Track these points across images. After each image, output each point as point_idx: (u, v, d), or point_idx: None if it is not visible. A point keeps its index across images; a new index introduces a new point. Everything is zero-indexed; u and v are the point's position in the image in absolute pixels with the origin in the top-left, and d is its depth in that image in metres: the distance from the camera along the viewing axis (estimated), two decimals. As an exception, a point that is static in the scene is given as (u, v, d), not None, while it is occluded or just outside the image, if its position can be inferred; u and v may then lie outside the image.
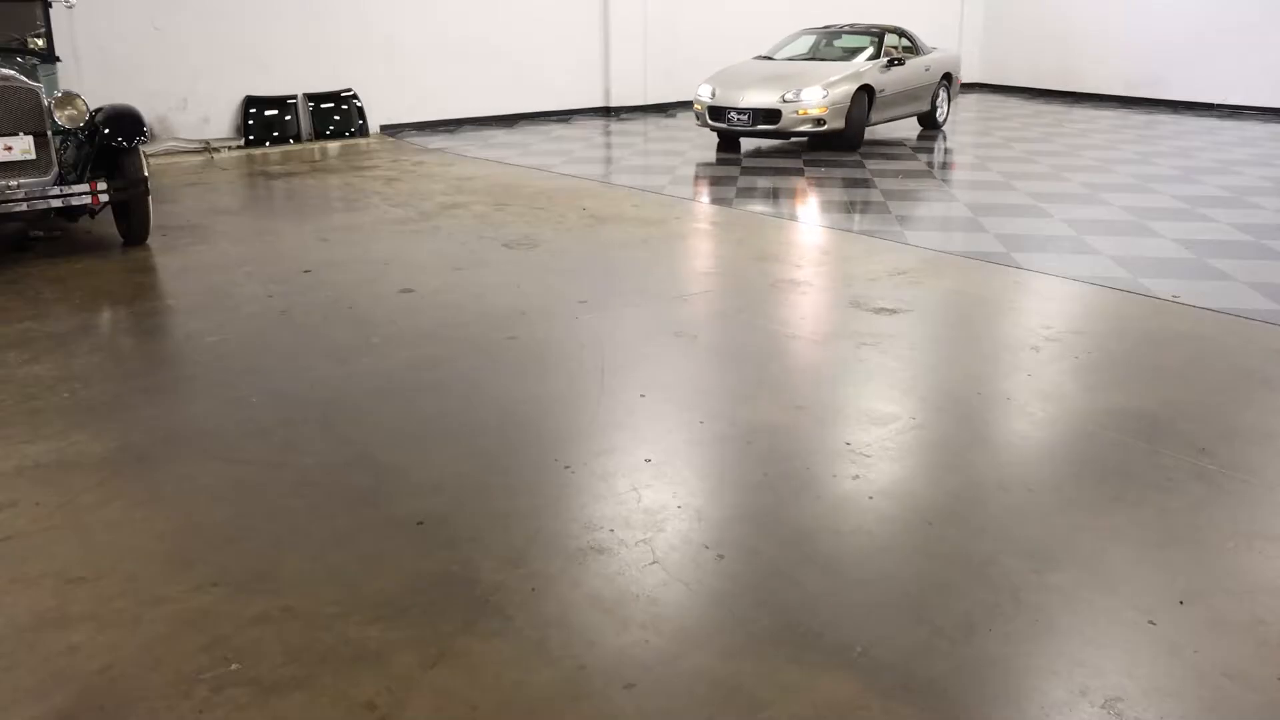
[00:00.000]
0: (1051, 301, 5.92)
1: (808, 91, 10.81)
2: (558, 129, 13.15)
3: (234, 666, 2.67)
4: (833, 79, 11.02)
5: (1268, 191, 9.08)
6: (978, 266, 6.62)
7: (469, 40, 12.99)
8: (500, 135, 12.63)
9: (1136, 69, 16.00)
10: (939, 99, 12.82)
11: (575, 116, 14.23)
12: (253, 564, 3.16)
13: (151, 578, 3.08)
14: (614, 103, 14.59)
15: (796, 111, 10.75)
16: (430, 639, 2.79)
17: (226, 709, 2.52)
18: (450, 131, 12.84)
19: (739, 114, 10.95)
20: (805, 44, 12.60)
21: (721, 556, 3.21)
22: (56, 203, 6.47)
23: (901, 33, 12.57)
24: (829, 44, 12.49)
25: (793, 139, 11.48)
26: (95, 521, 3.41)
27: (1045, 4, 17.29)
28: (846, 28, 12.73)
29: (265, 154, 11.19)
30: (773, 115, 10.82)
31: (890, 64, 11.69)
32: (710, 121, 11.34)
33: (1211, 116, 14.56)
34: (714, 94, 11.28)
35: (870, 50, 11.99)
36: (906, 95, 12.10)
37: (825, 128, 10.85)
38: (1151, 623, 2.87)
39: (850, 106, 10.97)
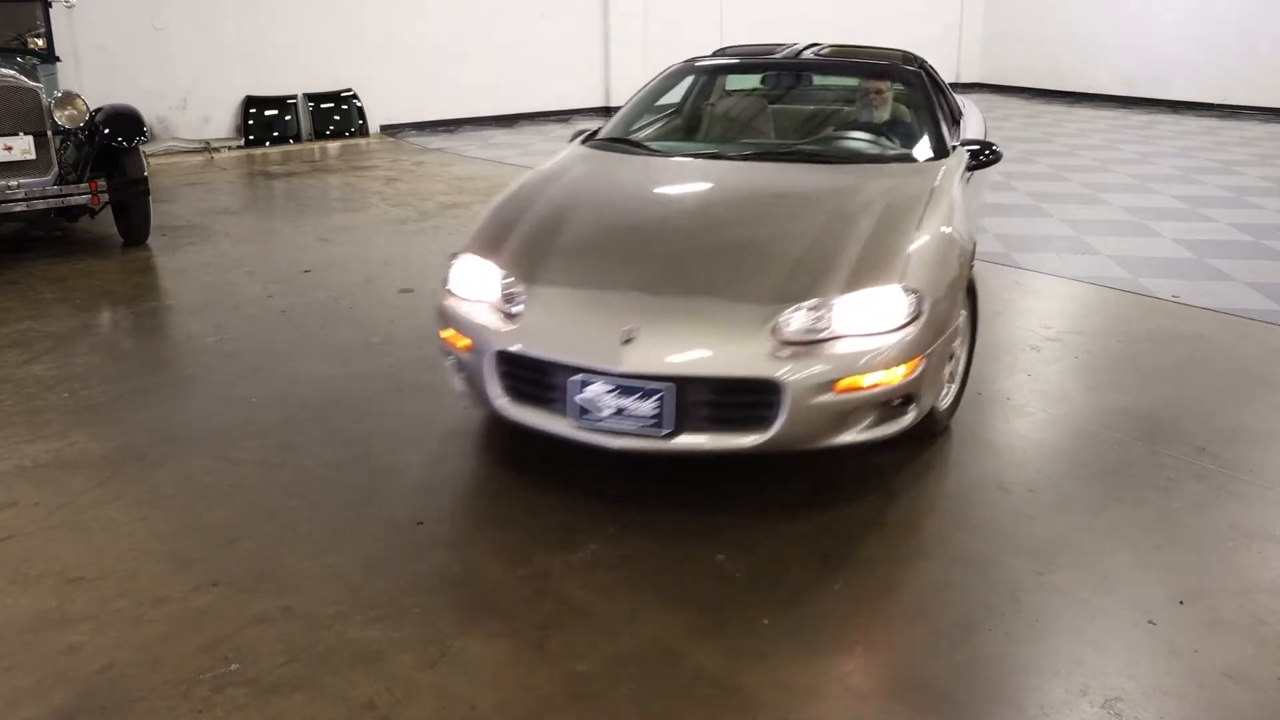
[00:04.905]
0: (1051, 301, 5.91)
1: (848, 305, 3.30)
2: (558, 129, 13.13)
3: (234, 666, 2.67)
4: (909, 246, 3.57)
5: (1268, 191, 9.07)
6: (977, 266, 6.60)
7: (469, 40, 12.98)
8: (500, 135, 12.62)
9: (1136, 69, 15.99)
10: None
11: (575, 116, 14.21)
12: (253, 564, 3.16)
13: (151, 578, 3.08)
14: (614, 103, 14.56)
15: (832, 385, 3.16)
16: (430, 639, 2.79)
17: (226, 709, 2.52)
18: (450, 131, 12.83)
19: (610, 402, 3.15)
20: (717, 107, 5.80)
21: (721, 556, 3.21)
22: (56, 203, 6.48)
23: (923, 69, 5.29)
24: (792, 100, 5.76)
25: None
26: (95, 521, 3.41)
27: (1045, 4, 17.27)
28: (810, 53, 5.50)
29: (265, 154, 11.18)
30: (755, 415, 3.19)
31: (980, 162, 4.75)
32: (510, 411, 3.41)
33: (1211, 116, 14.55)
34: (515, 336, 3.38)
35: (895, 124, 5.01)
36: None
37: (905, 424, 3.42)
38: (1151, 623, 2.87)
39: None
